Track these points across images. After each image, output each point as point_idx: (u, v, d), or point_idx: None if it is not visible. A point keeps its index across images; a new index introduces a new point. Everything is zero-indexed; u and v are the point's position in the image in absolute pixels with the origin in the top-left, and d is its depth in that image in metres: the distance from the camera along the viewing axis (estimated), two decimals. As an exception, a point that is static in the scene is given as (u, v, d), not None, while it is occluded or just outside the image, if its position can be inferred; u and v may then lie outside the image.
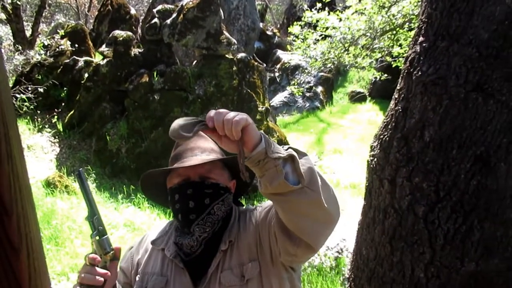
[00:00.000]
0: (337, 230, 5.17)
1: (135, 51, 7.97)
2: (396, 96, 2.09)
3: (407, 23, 6.36)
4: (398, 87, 2.11)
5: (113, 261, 1.14)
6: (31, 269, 0.32)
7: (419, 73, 1.91)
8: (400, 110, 2.02)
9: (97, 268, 1.10)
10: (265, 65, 11.59)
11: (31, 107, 7.74)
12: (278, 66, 14.73)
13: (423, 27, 1.96)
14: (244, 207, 1.37)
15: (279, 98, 13.62)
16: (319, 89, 13.71)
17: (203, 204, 1.22)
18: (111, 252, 1.13)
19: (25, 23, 11.85)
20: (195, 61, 8.07)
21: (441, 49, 1.84)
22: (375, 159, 2.16)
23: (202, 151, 1.28)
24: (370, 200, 2.22)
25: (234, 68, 7.74)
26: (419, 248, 1.93)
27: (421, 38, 1.94)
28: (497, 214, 1.78)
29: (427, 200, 1.88)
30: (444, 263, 1.87)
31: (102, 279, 1.09)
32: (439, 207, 1.85)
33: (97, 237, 1.13)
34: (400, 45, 6.72)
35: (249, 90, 7.87)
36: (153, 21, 7.89)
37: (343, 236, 5.20)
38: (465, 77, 1.76)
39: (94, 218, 1.13)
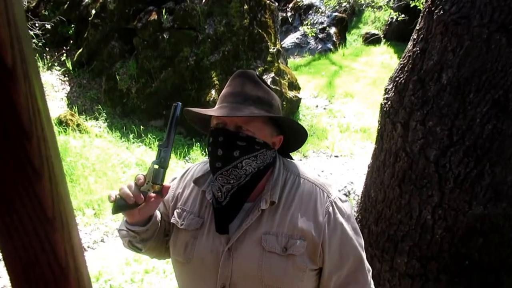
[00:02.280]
0: (344, 173, 5.22)
1: (143, -14, 7.67)
2: (415, 37, 2.01)
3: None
4: (417, 27, 2.02)
5: (156, 194, 1.15)
6: (54, 193, 0.32)
7: (441, 12, 1.81)
8: (418, 51, 1.95)
9: (136, 188, 1.12)
10: (277, 4, 11.16)
11: (40, 44, 7.64)
12: (291, 5, 14.18)
13: (449, -38, 1.84)
14: (300, 170, 1.28)
15: (290, 39, 13.25)
16: (333, 30, 13.26)
17: (231, 155, 1.16)
18: (159, 185, 1.13)
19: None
20: (205, -1, 7.79)
21: (466, -15, 1.73)
22: (389, 102, 2.13)
23: (247, 99, 1.19)
24: (382, 143, 2.21)
25: (245, 7, 7.47)
26: (428, 191, 1.94)
27: (446, -26, 1.83)
28: (510, 159, 1.76)
29: (440, 144, 1.87)
30: (451, 206, 1.89)
31: (133, 199, 1.10)
32: (451, 151, 1.84)
33: (156, 166, 1.13)
34: (421, -17, 6.38)
35: (260, 30, 7.64)
36: (161, -45, 7.52)
37: (351, 179, 5.27)
38: (490, 16, 1.68)
39: (164, 148, 1.15)
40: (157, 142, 6.20)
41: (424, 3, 1.99)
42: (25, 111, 0.28)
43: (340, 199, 1.23)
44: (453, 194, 1.87)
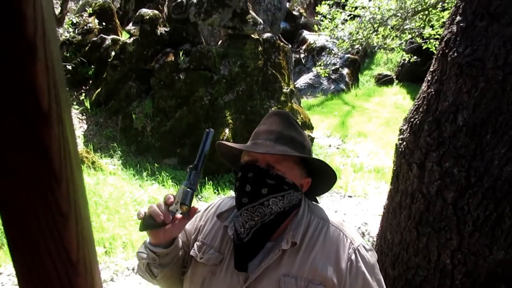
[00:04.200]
0: (358, 213, 5.13)
1: (161, 30, 7.98)
2: (429, 78, 2.03)
3: (440, 3, 6.12)
4: (431, 69, 2.04)
5: (184, 215, 1.15)
6: (79, 236, 0.32)
7: (455, 54, 1.84)
8: (433, 92, 1.96)
9: (166, 207, 1.12)
10: (290, 45, 11.43)
11: (60, 84, 7.88)
12: (304, 47, 14.52)
13: (461, 6, 1.88)
14: (325, 214, 1.27)
15: (304, 80, 13.46)
16: (345, 71, 13.47)
17: (259, 193, 1.15)
18: (187, 206, 1.14)
19: (54, 1, 12.00)
20: (221, 41, 8.03)
21: (479, 29, 1.76)
22: (404, 143, 2.12)
23: (280, 138, 1.20)
24: (398, 184, 2.18)
25: (260, 49, 7.67)
26: (446, 234, 1.89)
27: (458, 18, 1.86)
28: (531, 202, 1.72)
29: (457, 185, 1.83)
30: (471, 250, 1.83)
31: (162, 217, 1.10)
32: (470, 193, 1.81)
33: (186, 187, 1.15)
34: (432, 26, 6.49)
35: (274, 71, 7.80)
36: (179, 0, 7.86)
37: (365, 220, 5.17)
38: (504, 58, 1.69)
39: (193, 171, 1.17)
40: (170, 181, 6.22)
41: (437, 46, 2.02)
42: (56, 155, 0.28)
43: (364, 247, 1.20)
44: (472, 238, 1.82)
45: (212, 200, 1.53)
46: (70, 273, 0.31)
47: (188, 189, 1.14)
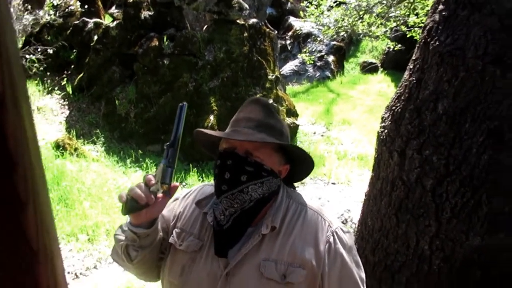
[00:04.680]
0: (342, 200, 5.19)
1: (145, 13, 7.83)
2: (411, 67, 2.04)
3: (425, -9, 6.14)
4: (413, 58, 2.06)
5: (164, 194, 1.15)
6: (38, 224, 0.31)
7: (437, 43, 1.85)
8: (415, 81, 1.97)
9: (147, 189, 1.11)
10: (276, 32, 11.36)
11: (41, 68, 7.72)
12: (290, 33, 14.44)
13: (443, -5, 1.88)
14: (303, 200, 1.27)
15: (289, 67, 13.43)
16: (331, 58, 13.47)
17: (238, 180, 1.16)
18: (168, 185, 1.13)
19: (33, -18, 11.65)
20: (206, 26, 7.94)
21: (461, 18, 1.77)
22: (386, 131, 2.14)
23: (259, 125, 1.20)
24: (379, 171, 2.21)
25: (245, 34, 7.60)
26: (425, 221, 1.93)
27: (440, 6, 1.87)
28: (507, 189, 1.76)
29: (436, 173, 1.87)
30: (449, 236, 1.87)
31: (145, 199, 1.10)
32: (448, 181, 1.84)
33: (164, 165, 1.14)
34: (417, 14, 6.52)
35: (259, 57, 7.76)
36: (163, -17, 7.71)
37: (348, 207, 5.24)
38: (484, 48, 1.71)
39: (171, 148, 1.16)
40: (154, 168, 6.18)
41: (420, 34, 2.03)
42: (12, 139, 0.27)
43: (342, 229, 1.22)
44: (450, 224, 1.86)
45: (195, 187, 1.53)
46: (31, 261, 0.30)
47: (167, 167, 1.14)
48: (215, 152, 1.29)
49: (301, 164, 1.30)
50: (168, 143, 1.16)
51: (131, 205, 1.11)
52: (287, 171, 1.28)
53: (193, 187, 1.43)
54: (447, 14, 1.82)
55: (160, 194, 1.14)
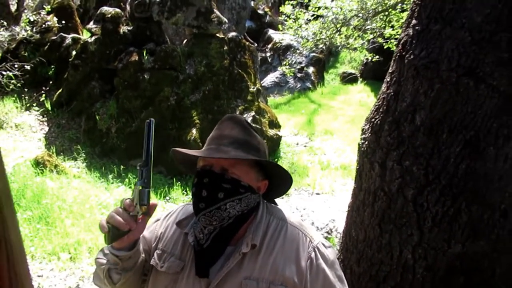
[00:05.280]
0: (326, 210, 5.20)
1: (124, 28, 7.81)
2: (388, 80, 2.09)
3: (400, 4, 6.31)
4: (390, 70, 2.11)
5: (144, 215, 1.14)
6: (12, 273, 0.31)
7: (411, 56, 1.90)
8: (392, 93, 2.02)
9: (126, 214, 1.11)
10: (256, 44, 11.47)
11: (18, 84, 7.60)
12: (270, 45, 14.59)
13: (416, 10, 1.94)
14: (284, 215, 1.27)
15: (270, 79, 13.54)
16: (311, 69, 13.64)
17: (215, 197, 1.16)
18: (146, 206, 1.13)
19: (10, -2, 11.52)
20: (186, 40, 7.96)
21: (433, 32, 1.83)
22: (366, 142, 2.17)
23: (234, 142, 1.21)
24: (361, 182, 2.24)
25: (225, 48, 7.65)
26: (407, 230, 1.96)
27: (414, 21, 1.93)
28: (485, 198, 1.80)
29: (417, 183, 1.90)
30: (431, 245, 1.91)
31: (127, 226, 1.09)
32: (428, 190, 1.88)
33: (140, 187, 1.13)
34: (392, 27, 6.68)
35: (240, 70, 7.80)
36: (142, -2, 7.72)
37: (333, 217, 5.26)
38: (457, 61, 1.76)
39: (144, 168, 1.15)
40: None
41: (396, 46, 2.08)
42: None
43: (323, 244, 1.23)
44: (432, 233, 1.89)
45: (180, 202, 1.52)
46: None
47: (143, 189, 1.14)
48: (193, 170, 1.30)
49: (280, 179, 1.31)
50: (140, 163, 1.16)
51: (114, 233, 1.11)
52: (266, 187, 1.29)
53: (174, 207, 1.43)
54: (420, 29, 1.87)
55: (140, 216, 1.14)
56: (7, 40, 8.58)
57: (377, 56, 9.60)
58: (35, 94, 8.03)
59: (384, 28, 6.83)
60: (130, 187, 5.98)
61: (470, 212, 1.82)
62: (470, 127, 1.78)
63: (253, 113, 7.51)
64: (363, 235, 2.18)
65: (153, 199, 5.68)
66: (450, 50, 1.78)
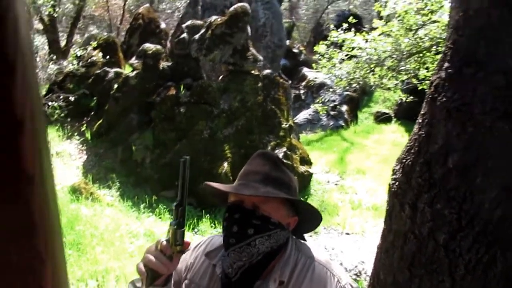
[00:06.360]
0: (356, 252, 5.08)
1: (163, 64, 8.17)
2: (420, 121, 2.08)
3: (434, 47, 6.29)
4: (422, 112, 2.10)
5: (178, 253, 1.17)
6: (48, 245, 0.34)
7: (444, 98, 1.90)
8: (424, 135, 2.00)
9: (162, 255, 1.13)
10: (290, 82, 11.65)
11: (62, 114, 8.01)
12: (304, 83, 14.78)
13: (448, 53, 1.95)
14: (312, 253, 1.28)
15: (303, 115, 13.63)
16: (344, 108, 13.66)
17: (245, 233, 1.18)
18: (181, 246, 1.16)
19: (60, 34, 12.33)
20: (221, 76, 8.21)
21: (466, 75, 1.83)
22: (397, 183, 2.15)
23: (265, 179, 1.22)
24: (390, 224, 2.19)
25: (260, 84, 7.82)
26: (439, 276, 1.89)
27: (446, 64, 1.93)
28: (521, 246, 1.73)
29: (449, 227, 1.85)
30: (464, 293, 1.83)
31: (166, 269, 1.12)
32: (461, 236, 1.82)
33: (175, 227, 1.15)
34: (427, 68, 6.65)
35: (273, 106, 7.92)
36: (182, 36, 8.09)
37: (362, 258, 5.12)
38: (492, 104, 1.74)
39: (180, 208, 1.16)
40: (168, 214, 6.20)
41: (428, 90, 2.09)
42: (29, 164, 0.31)
43: (351, 285, 1.21)
44: (464, 281, 1.82)
45: (208, 235, 1.55)
46: (39, 265, 0.33)
47: (179, 229, 1.16)
48: (224, 203, 1.32)
49: (310, 215, 1.31)
50: (175, 202, 1.17)
51: (152, 276, 1.13)
52: (296, 223, 1.29)
53: (203, 238, 1.46)
54: (453, 71, 1.88)
55: (175, 255, 1.17)
56: (55, 73, 9.13)
57: (411, 97, 9.50)
58: (77, 124, 8.43)
59: (419, 69, 6.80)
60: (160, 217, 6.07)
61: (505, 260, 1.74)
62: (505, 172, 1.74)
63: (284, 149, 7.54)
64: (391, 278, 2.11)
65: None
66: (483, 94, 1.76)
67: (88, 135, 8.15)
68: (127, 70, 9.52)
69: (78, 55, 9.30)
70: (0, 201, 0.30)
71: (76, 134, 8.19)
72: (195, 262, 1.34)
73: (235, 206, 1.22)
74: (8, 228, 0.31)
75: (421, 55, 6.61)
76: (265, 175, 1.24)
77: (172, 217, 1.18)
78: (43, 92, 8.58)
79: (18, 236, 0.32)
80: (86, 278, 4.28)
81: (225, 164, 6.95)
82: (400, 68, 6.95)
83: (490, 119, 1.74)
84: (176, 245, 1.15)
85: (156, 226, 5.72)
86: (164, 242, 1.15)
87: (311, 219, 1.33)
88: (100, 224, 5.30)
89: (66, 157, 7.52)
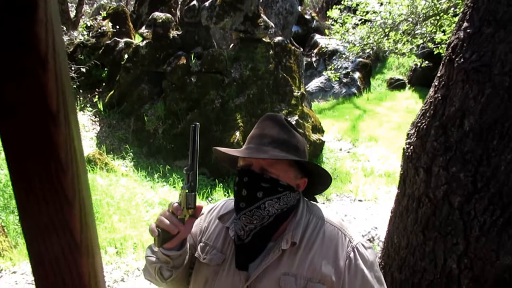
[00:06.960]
0: (368, 218, 5.10)
1: (173, 33, 8.07)
2: (436, 83, 2.04)
3: (452, 8, 6.08)
4: (438, 74, 2.05)
5: (191, 217, 1.19)
6: (83, 221, 0.36)
7: (462, 60, 1.84)
8: (440, 97, 1.97)
9: (175, 218, 1.16)
10: (302, 49, 11.46)
11: (74, 86, 8.04)
12: (316, 50, 14.52)
13: (468, 12, 1.89)
14: (323, 214, 1.28)
15: (315, 83, 13.47)
16: (357, 75, 13.44)
17: (255, 196, 1.19)
18: (193, 209, 1.18)
19: (69, 4, 12.22)
20: (232, 44, 8.10)
21: (486, 35, 1.77)
22: (411, 147, 2.13)
23: (273, 141, 1.22)
24: (404, 188, 2.19)
25: (271, 52, 7.71)
26: (453, 239, 1.90)
27: (465, 24, 1.87)
28: (538, 208, 1.72)
29: (464, 190, 1.84)
30: (478, 255, 1.83)
31: (177, 229, 1.15)
32: (476, 198, 1.81)
33: (187, 190, 1.18)
34: (444, 31, 6.45)
35: (285, 75, 7.83)
36: (192, 4, 7.95)
37: (375, 224, 5.15)
38: (511, 64, 1.69)
39: (191, 172, 1.18)
40: (181, 182, 6.28)
41: (445, 51, 2.02)
42: (63, 149, 0.32)
43: (363, 245, 1.22)
44: (479, 242, 1.82)
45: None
46: (74, 253, 0.35)
47: (190, 192, 1.18)
48: (235, 167, 1.33)
49: (319, 177, 1.31)
50: (186, 167, 1.19)
51: (164, 236, 1.16)
52: (305, 184, 1.29)
53: (217, 202, 1.47)
54: (472, 31, 1.82)
55: (187, 218, 1.19)
56: (66, 44, 9.11)
57: (427, 62, 9.28)
58: (89, 95, 8.47)
59: (435, 33, 6.59)
60: (174, 187, 6.16)
61: (521, 223, 1.74)
62: (523, 133, 1.70)
63: (296, 117, 7.50)
64: (405, 241, 2.13)
65: (197, 201, 5.80)
66: (503, 54, 1.71)
67: (100, 106, 8.20)
68: (137, 40, 9.45)
69: (88, 25, 9.24)
70: (38, 188, 0.32)
71: (88, 105, 8.24)
72: (209, 226, 1.36)
73: (244, 170, 1.22)
74: (46, 213, 0.33)
75: (438, 17, 6.40)
76: (273, 137, 1.23)
77: (185, 181, 1.20)
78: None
79: (55, 221, 0.33)
80: (105, 245, 4.41)
81: (237, 133, 6.96)
82: (415, 32, 6.76)
83: (509, 79, 1.70)
84: (188, 208, 1.17)
85: (171, 195, 5.81)
86: (176, 204, 1.17)
87: (321, 180, 1.33)
88: (116, 193, 5.40)
89: (80, 128, 7.61)
